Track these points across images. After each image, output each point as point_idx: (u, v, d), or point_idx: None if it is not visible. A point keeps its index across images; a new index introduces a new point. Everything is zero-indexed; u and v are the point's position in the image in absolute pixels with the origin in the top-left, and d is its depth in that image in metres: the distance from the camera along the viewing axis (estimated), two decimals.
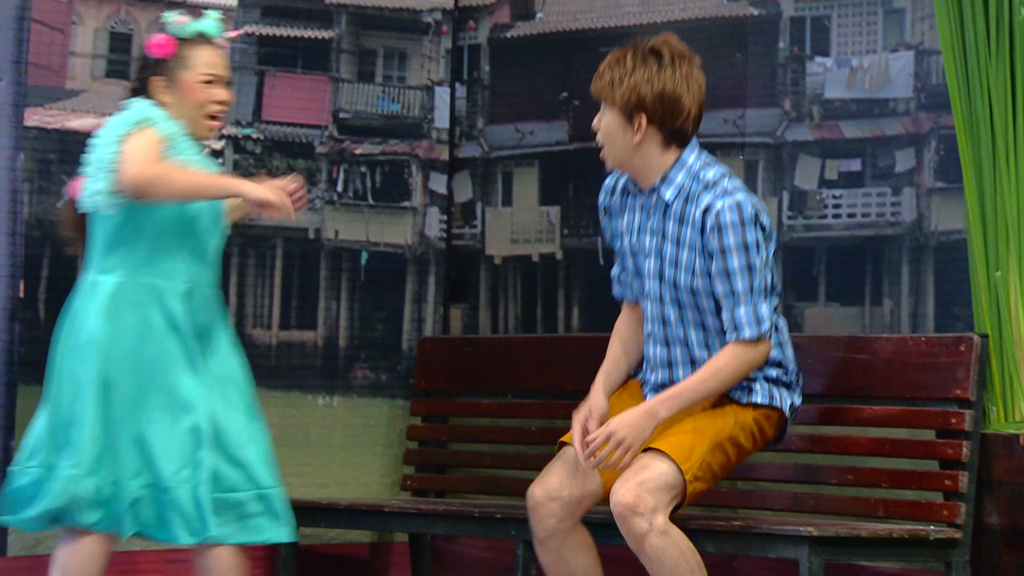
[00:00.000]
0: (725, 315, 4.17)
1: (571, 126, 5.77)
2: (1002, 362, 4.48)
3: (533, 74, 5.88)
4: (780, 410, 4.26)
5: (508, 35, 5.93)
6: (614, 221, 4.37)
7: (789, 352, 4.31)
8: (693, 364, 4.24)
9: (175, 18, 4.34)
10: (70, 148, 5.27)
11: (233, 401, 4.27)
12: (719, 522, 4.45)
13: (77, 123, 5.33)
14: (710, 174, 4.21)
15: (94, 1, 5.39)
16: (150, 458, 4.16)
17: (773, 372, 4.26)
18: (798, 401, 4.31)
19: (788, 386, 4.28)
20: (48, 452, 4.18)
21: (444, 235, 5.96)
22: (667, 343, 4.27)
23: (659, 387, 4.27)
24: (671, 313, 4.25)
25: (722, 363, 4.15)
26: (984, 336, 4.45)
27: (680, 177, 4.21)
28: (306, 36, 5.73)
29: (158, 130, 4.21)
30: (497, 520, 4.90)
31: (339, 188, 5.78)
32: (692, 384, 4.16)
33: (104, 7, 5.41)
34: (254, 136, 5.64)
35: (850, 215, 5.19)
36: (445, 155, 5.96)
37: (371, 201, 5.83)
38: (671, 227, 4.22)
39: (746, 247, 4.14)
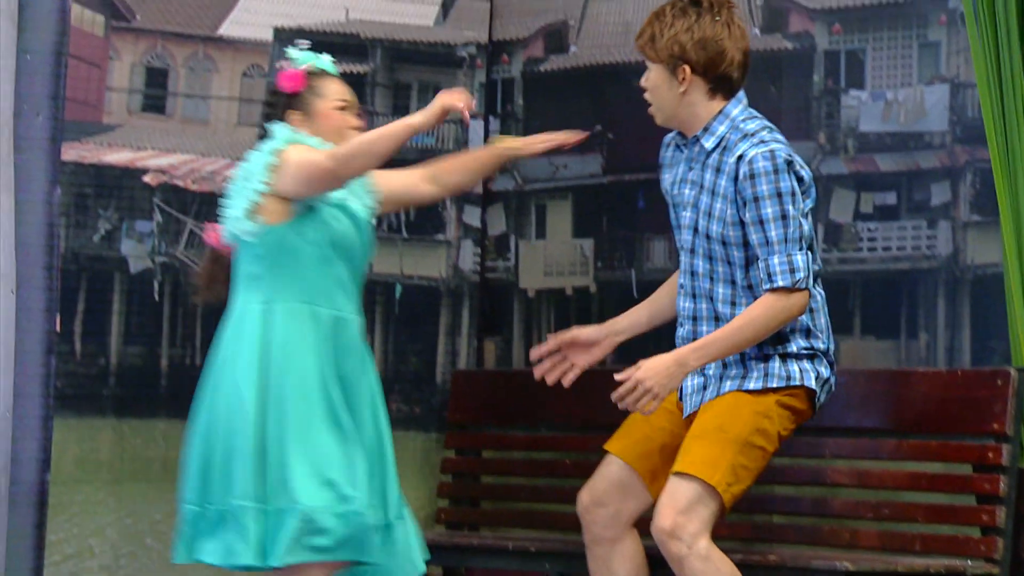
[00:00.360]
0: (760, 264, 4.11)
1: (605, 159, 5.76)
2: None
3: (566, 107, 5.88)
4: (803, 387, 4.16)
5: (542, 68, 5.94)
6: (664, 175, 4.35)
7: (821, 320, 4.21)
8: (717, 320, 4.18)
9: (300, 53, 4.41)
10: (106, 182, 5.34)
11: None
12: (755, 556, 4.43)
13: (113, 157, 5.37)
14: (751, 125, 4.18)
15: (130, 36, 5.44)
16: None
17: (797, 343, 4.16)
18: (825, 372, 4.20)
19: (812, 357, 4.19)
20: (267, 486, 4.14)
21: (478, 268, 5.95)
22: (694, 296, 4.23)
23: (683, 341, 4.23)
24: (701, 266, 4.21)
25: (756, 313, 4.08)
26: (1021, 370, 4.43)
27: (722, 128, 4.19)
28: (341, 70, 5.60)
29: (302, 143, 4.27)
30: (531, 553, 4.89)
31: (373, 222, 5.77)
32: (724, 333, 4.10)
33: (140, 43, 5.45)
34: None
35: (885, 248, 5.17)
36: (479, 188, 5.96)
37: (405, 234, 5.84)
38: (708, 177, 4.19)
39: (779, 195, 4.08)
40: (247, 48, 5.61)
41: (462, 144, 5.93)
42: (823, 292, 4.25)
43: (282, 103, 4.37)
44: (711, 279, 4.21)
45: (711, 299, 4.21)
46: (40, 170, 5.08)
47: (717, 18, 4.16)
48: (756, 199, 4.09)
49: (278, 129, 4.30)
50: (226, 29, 5.58)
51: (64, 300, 5.20)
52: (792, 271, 4.07)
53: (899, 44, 5.17)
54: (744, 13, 5.45)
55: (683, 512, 4.02)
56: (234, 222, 4.24)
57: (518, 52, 5.96)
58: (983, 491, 4.38)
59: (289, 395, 4.15)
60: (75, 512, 5.27)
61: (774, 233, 4.09)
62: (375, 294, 5.76)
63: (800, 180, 4.12)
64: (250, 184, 4.22)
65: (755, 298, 4.13)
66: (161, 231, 5.45)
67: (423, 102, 5.79)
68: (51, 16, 5.08)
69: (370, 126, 5.66)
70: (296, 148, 4.22)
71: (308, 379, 4.18)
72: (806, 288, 4.09)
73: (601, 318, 5.66)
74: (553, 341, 4.38)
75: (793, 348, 4.16)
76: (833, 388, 4.27)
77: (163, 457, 5.41)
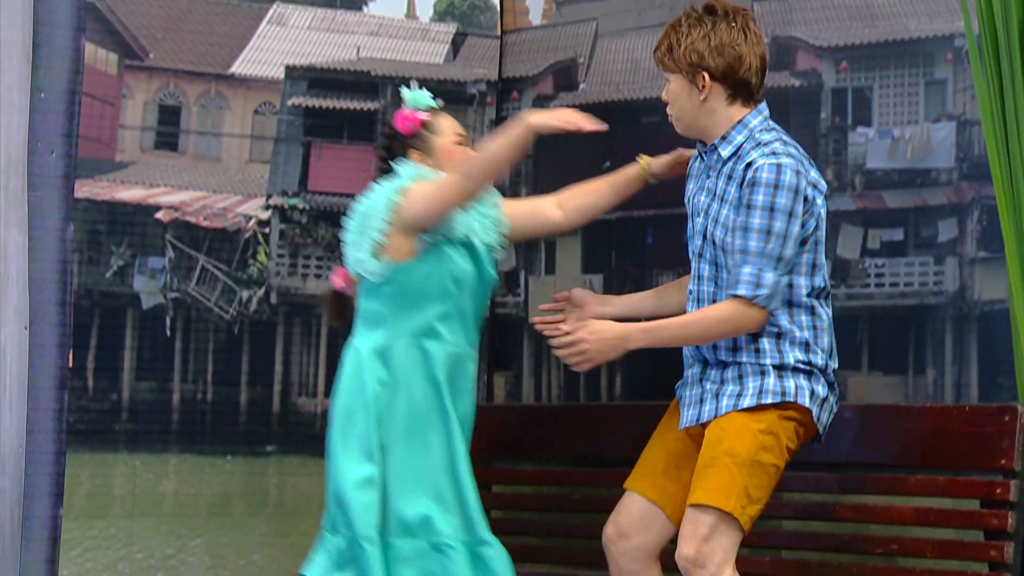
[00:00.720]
0: (732, 269, 4.12)
1: None
2: None
3: (576, 144, 5.83)
4: (797, 404, 4.14)
5: (551, 106, 5.94)
6: (688, 186, 4.37)
7: (824, 340, 4.20)
8: (729, 348, 4.20)
9: (412, 93, 4.52)
10: (119, 219, 5.33)
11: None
12: None
13: (126, 194, 5.37)
14: (767, 136, 4.19)
15: (143, 75, 5.44)
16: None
17: (794, 356, 4.14)
18: (822, 391, 4.18)
19: (809, 374, 4.18)
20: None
21: (488, 303, 5.94)
22: (699, 301, 4.24)
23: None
24: (707, 270, 4.23)
25: (710, 313, 4.12)
26: None
27: (740, 137, 4.20)
28: (352, 108, 5.76)
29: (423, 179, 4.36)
30: None
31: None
32: (673, 323, 4.14)
33: (153, 81, 5.45)
34: (300, 206, 5.66)
35: (893, 284, 5.16)
36: None
37: None
38: (721, 184, 4.20)
39: (772, 209, 4.08)
40: (258, 86, 5.62)
41: None
42: (830, 313, 4.25)
43: (401, 143, 4.47)
44: (715, 284, 4.22)
45: (714, 303, 4.21)
46: (53, 207, 5.12)
47: (733, 24, 4.19)
48: (749, 207, 4.10)
49: (403, 167, 4.37)
50: (238, 67, 5.59)
51: (77, 336, 5.20)
52: (757, 284, 4.08)
53: (906, 82, 5.17)
54: None
55: (706, 540, 4.05)
56: (359, 263, 4.33)
57: (528, 89, 5.97)
58: (991, 527, 4.36)
59: (403, 430, 4.26)
60: (87, 547, 5.26)
61: (753, 244, 4.09)
62: None
63: (804, 200, 4.11)
64: (373, 223, 4.29)
65: None
66: (173, 267, 5.45)
67: None
68: (65, 55, 5.13)
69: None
70: (421, 183, 4.31)
71: (421, 415, 4.30)
72: (765, 307, 4.10)
73: None
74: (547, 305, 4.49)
75: (790, 360, 4.15)
76: (834, 408, 4.26)
77: (175, 492, 5.43)
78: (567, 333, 4.16)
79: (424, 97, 4.53)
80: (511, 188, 5.95)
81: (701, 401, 4.23)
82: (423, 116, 4.50)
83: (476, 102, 5.94)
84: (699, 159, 4.33)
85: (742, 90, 4.21)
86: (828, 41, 5.32)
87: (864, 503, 4.65)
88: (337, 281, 4.50)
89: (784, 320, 4.17)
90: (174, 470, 5.43)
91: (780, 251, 4.09)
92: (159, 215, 5.45)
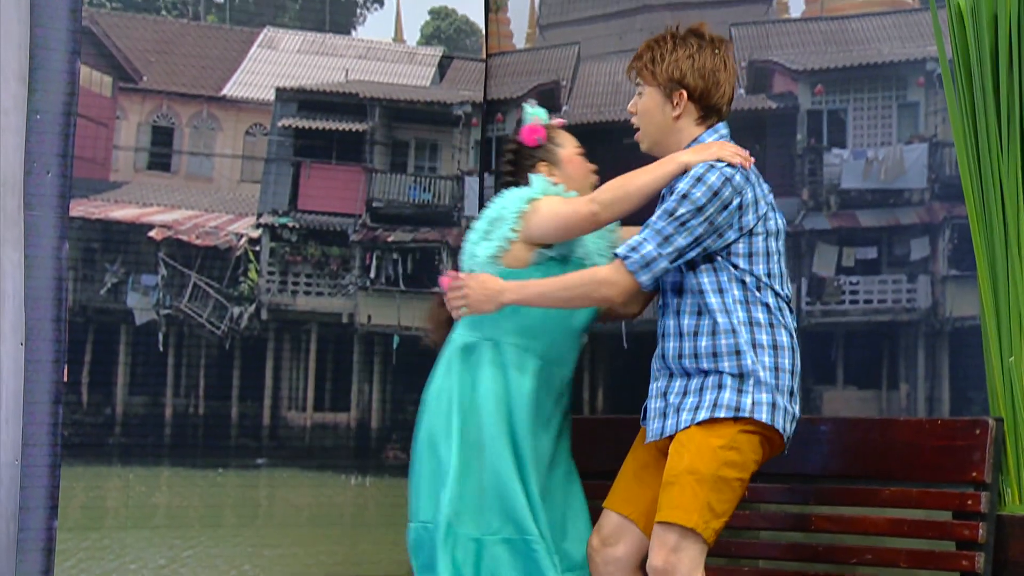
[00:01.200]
0: None
1: None
2: (1016, 445, 4.43)
3: None
4: (752, 419, 4.10)
5: None
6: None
7: (782, 338, 4.16)
8: (681, 336, 4.19)
9: (535, 107, 4.54)
10: (113, 238, 5.30)
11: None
12: None
13: (120, 213, 5.35)
14: None
15: (137, 97, 5.41)
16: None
17: (755, 366, 4.10)
18: (782, 400, 4.13)
19: (770, 385, 4.12)
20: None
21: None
22: (663, 315, 4.26)
23: (656, 358, 4.27)
24: (669, 282, 4.24)
25: (575, 273, 4.16)
26: (999, 420, 4.39)
27: None
28: (341, 128, 5.75)
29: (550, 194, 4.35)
30: None
31: (372, 274, 5.74)
32: (546, 281, 4.17)
33: (147, 102, 5.43)
34: (290, 225, 5.63)
35: (867, 301, 5.15)
36: None
37: (403, 287, 5.80)
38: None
39: (684, 196, 4.07)
40: (249, 108, 5.60)
41: (458, 200, 5.91)
42: (792, 321, 4.22)
43: (529, 156, 4.48)
44: (677, 301, 4.23)
45: (678, 314, 4.23)
46: (49, 226, 5.13)
47: (717, 51, 4.23)
48: (671, 193, 4.13)
49: (536, 179, 4.38)
50: (229, 89, 5.57)
51: (71, 351, 5.19)
52: (634, 249, 4.09)
53: (879, 104, 5.17)
54: None
55: (674, 551, 4.06)
56: (477, 264, 4.33)
57: (512, 111, 5.93)
58: (963, 537, 4.34)
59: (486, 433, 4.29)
60: (81, 558, 5.23)
61: (653, 219, 4.12)
62: (373, 345, 5.73)
63: (724, 206, 4.08)
64: (500, 230, 4.31)
65: (705, 308, 4.16)
66: (166, 284, 5.42)
67: (420, 159, 5.78)
68: (61, 77, 5.14)
69: (369, 181, 5.75)
70: (549, 199, 4.30)
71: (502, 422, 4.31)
72: (634, 274, 4.09)
73: (592, 369, 5.65)
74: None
75: (749, 369, 4.11)
76: (796, 415, 4.19)
77: (167, 504, 5.39)
78: (460, 279, 4.24)
79: (544, 112, 4.56)
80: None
81: (664, 415, 4.22)
82: (548, 130, 4.54)
83: (462, 123, 5.91)
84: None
85: (712, 114, 4.24)
86: (804, 65, 5.32)
87: (840, 514, 4.63)
88: (445, 282, 4.41)
89: (744, 329, 4.15)
90: (166, 483, 5.40)
91: (672, 233, 4.08)
92: (152, 233, 5.42)
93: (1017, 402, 4.44)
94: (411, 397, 5.70)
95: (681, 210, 4.08)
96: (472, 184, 5.95)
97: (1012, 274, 4.48)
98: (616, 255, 4.13)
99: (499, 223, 4.34)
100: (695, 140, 4.24)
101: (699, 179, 4.09)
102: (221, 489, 5.47)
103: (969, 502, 4.37)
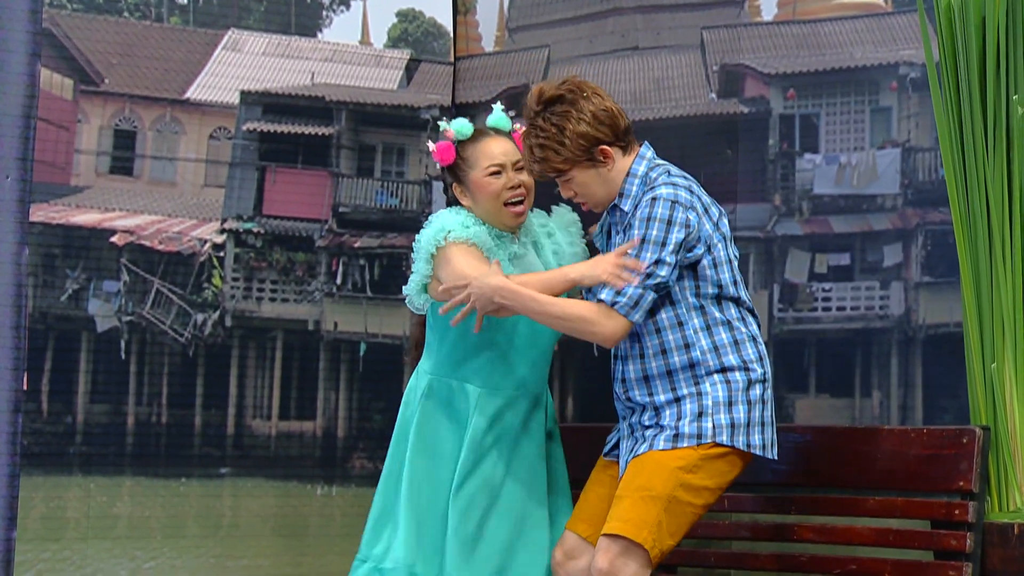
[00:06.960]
0: None
1: None
2: (997, 453, 4.33)
3: None
4: (715, 443, 4.03)
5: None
6: (599, 242, 4.27)
7: (748, 352, 4.07)
8: (642, 358, 4.09)
9: (451, 122, 4.25)
10: (74, 243, 5.24)
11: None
12: None
13: (81, 218, 5.26)
14: (652, 175, 4.10)
15: (99, 100, 5.34)
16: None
17: (717, 379, 4.02)
18: (742, 415, 4.05)
19: (730, 404, 4.03)
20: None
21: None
22: (623, 358, 4.16)
23: (615, 380, 4.18)
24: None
25: (572, 307, 4.01)
26: (987, 429, 4.27)
27: (634, 188, 4.11)
28: (306, 132, 5.67)
29: (459, 238, 4.09)
30: None
31: (338, 281, 5.68)
32: (534, 296, 4.01)
33: (109, 106, 5.35)
34: (255, 230, 5.55)
35: (840, 308, 5.08)
36: None
37: (369, 293, 5.73)
38: (624, 238, 4.10)
39: (644, 240, 3.98)
40: (214, 111, 5.52)
41: (426, 205, 5.85)
42: (755, 325, 4.11)
43: (447, 178, 4.25)
44: (639, 341, 4.11)
45: (641, 358, 4.11)
46: (8, 231, 5.07)
47: (584, 94, 4.09)
48: (627, 230, 4.05)
49: (435, 217, 4.16)
50: (193, 92, 5.49)
51: (31, 359, 5.13)
52: (618, 292, 3.99)
53: (852, 109, 5.11)
54: (701, 78, 5.37)
55: (619, 556, 3.96)
56: (409, 296, 4.18)
57: (480, 115, 5.82)
58: (950, 547, 4.23)
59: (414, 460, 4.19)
60: (41, 570, 5.13)
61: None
62: (340, 352, 5.67)
63: (682, 224, 3.99)
64: (419, 263, 4.13)
65: (665, 345, 4.07)
66: (128, 290, 5.34)
67: (387, 163, 5.81)
68: (20, 80, 5.08)
69: (335, 186, 5.63)
70: (457, 250, 4.07)
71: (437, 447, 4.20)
72: (626, 317, 3.98)
73: (562, 376, 5.62)
74: None
75: (708, 390, 4.03)
76: (766, 421, 4.09)
77: (129, 515, 5.31)
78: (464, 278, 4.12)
79: (465, 124, 4.23)
80: None
81: (632, 435, 4.15)
82: (459, 147, 4.20)
83: (430, 127, 5.84)
84: (606, 215, 4.22)
85: (626, 138, 4.13)
86: (776, 69, 5.26)
87: (824, 523, 4.52)
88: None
89: (710, 356, 4.05)
90: (128, 492, 5.32)
91: (652, 269, 3.98)
92: (114, 239, 5.34)
93: (998, 409, 4.35)
94: (378, 405, 5.72)
95: (647, 254, 3.99)
96: (439, 189, 5.89)
97: (996, 279, 4.38)
98: (600, 299, 4.01)
99: (419, 254, 4.17)
100: (628, 175, 4.11)
101: (649, 219, 3.99)
102: (184, 499, 5.40)
103: (956, 512, 4.26)
